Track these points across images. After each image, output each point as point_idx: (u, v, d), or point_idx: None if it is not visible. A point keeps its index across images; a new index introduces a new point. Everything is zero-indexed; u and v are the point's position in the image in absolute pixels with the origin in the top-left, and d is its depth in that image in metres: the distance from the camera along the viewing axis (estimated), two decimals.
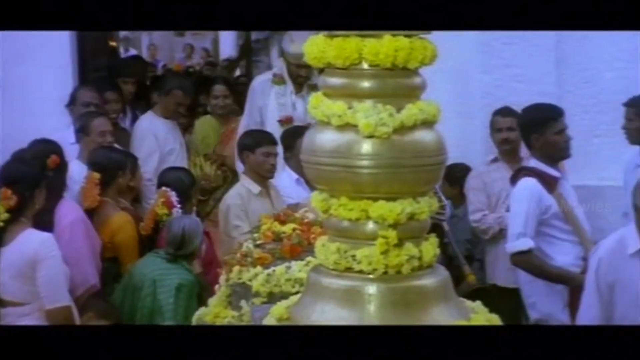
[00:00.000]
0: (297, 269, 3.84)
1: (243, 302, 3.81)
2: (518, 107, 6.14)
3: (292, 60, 6.49)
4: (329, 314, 2.93)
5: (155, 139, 6.45)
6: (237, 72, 12.43)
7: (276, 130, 6.30)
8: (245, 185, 5.80)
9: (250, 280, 3.85)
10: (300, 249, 4.04)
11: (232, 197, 5.75)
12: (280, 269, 3.86)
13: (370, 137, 2.92)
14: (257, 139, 5.88)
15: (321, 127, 3.04)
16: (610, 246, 4.09)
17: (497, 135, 6.11)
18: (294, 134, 5.92)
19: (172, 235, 5.01)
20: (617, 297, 4.00)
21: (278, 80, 6.65)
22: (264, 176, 5.84)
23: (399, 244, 2.94)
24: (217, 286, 4.12)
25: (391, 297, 2.92)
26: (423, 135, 2.98)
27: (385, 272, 2.93)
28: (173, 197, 5.31)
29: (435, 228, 5.14)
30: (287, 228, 4.21)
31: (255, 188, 5.77)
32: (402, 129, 2.94)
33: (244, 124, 6.66)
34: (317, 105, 3.05)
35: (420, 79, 3.04)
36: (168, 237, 5.03)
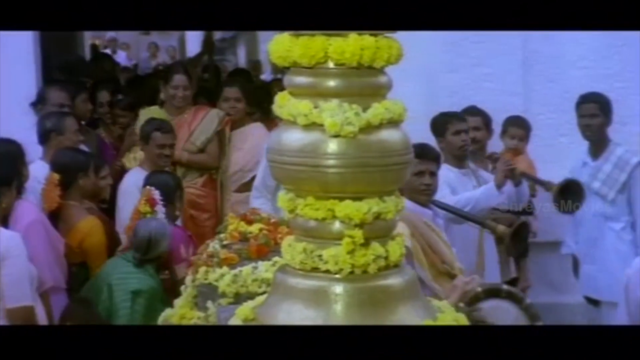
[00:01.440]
0: (264, 269, 3.82)
1: (209, 303, 3.79)
2: (485, 106, 6.18)
3: None
4: (295, 314, 2.92)
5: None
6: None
7: None
8: None
9: (216, 280, 3.83)
10: (267, 249, 4.02)
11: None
12: (246, 269, 3.84)
13: (336, 136, 2.91)
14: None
15: (287, 126, 3.02)
16: (638, 265, 4.05)
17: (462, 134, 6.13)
18: None
19: (138, 239, 4.96)
20: None
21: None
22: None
23: (366, 244, 2.93)
24: (182, 287, 4.09)
25: (358, 297, 2.91)
26: (389, 135, 2.98)
27: (352, 272, 2.92)
28: (156, 195, 5.24)
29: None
30: (254, 228, 4.18)
31: None
32: (368, 128, 2.93)
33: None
34: (283, 104, 3.03)
35: (386, 78, 3.03)
36: (135, 241, 4.98)
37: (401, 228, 4.49)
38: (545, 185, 5.69)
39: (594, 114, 5.94)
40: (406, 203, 4.70)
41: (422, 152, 4.90)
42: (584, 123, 5.93)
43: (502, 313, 4.19)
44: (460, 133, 5.70)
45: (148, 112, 6.62)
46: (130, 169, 6.21)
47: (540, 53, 6.51)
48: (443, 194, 5.32)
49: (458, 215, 5.37)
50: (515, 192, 5.63)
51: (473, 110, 6.14)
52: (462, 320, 3.00)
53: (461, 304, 4.33)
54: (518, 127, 6.34)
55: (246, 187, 6.31)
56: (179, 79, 6.65)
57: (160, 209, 5.22)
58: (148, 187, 5.33)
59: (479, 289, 4.26)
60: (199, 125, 6.55)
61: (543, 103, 6.63)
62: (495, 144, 6.36)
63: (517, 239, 5.07)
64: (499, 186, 5.55)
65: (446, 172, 5.52)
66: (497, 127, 6.34)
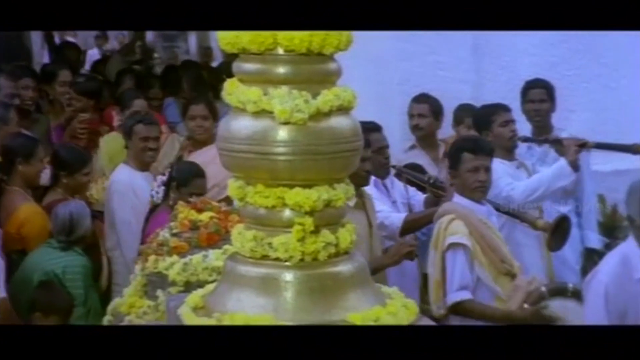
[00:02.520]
0: (215, 257, 3.80)
1: (159, 292, 3.76)
2: (436, 94, 6.19)
3: None
4: (245, 301, 2.91)
5: (135, 196, 5.43)
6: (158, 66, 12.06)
7: None
8: None
9: (166, 269, 3.80)
10: (218, 237, 4.00)
11: None
12: (197, 257, 3.82)
13: (286, 123, 2.90)
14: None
15: (236, 113, 3.01)
16: (614, 270, 3.77)
17: (410, 122, 6.15)
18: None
19: (59, 222, 4.88)
20: (630, 324, 3.68)
21: None
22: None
23: (316, 231, 2.93)
24: (132, 276, 4.06)
25: (308, 284, 2.91)
26: (339, 122, 2.98)
27: (302, 259, 2.92)
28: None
29: (565, 219, 4.96)
30: (204, 216, 4.16)
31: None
32: (318, 115, 2.93)
33: None
34: (232, 91, 3.01)
35: (335, 65, 3.03)
36: (55, 225, 4.91)
37: (460, 227, 4.45)
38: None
39: (543, 99, 5.99)
40: (461, 200, 4.63)
41: (476, 146, 4.71)
42: (533, 108, 5.98)
43: (568, 312, 4.17)
44: (509, 123, 5.48)
45: (109, 139, 6.38)
46: (96, 200, 5.87)
47: (491, 41, 6.53)
48: (510, 186, 5.19)
49: (495, 209, 5.18)
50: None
51: (421, 98, 6.15)
52: (412, 306, 3.01)
53: (526, 305, 4.28)
54: (470, 114, 6.34)
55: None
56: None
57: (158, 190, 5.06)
58: None
59: (543, 289, 4.21)
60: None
61: (494, 90, 6.65)
62: (445, 132, 6.37)
63: (558, 233, 4.87)
64: (573, 164, 5.34)
65: (499, 166, 5.19)
66: (448, 114, 6.35)
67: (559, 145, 5.60)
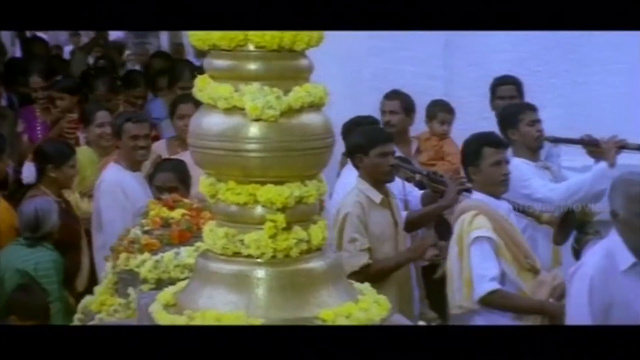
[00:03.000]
0: (186, 254, 3.79)
1: (130, 290, 3.75)
2: (407, 90, 6.21)
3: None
4: (217, 298, 2.90)
5: (124, 196, 5.27)
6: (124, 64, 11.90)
7: None
8: (365, 192, 4.85)
9: (137, 267, 3.79)
10: (190, 235, 3.99)
11: (352, 206, 4.78)
12: (168, 255, 3.80)
13: (257, 120, 2.90)
14: (371, 138, 4.93)
15: (207, 110, 3.00)
16: (599, 264, 3.80)
17: (382, 118, 6.16)
18: (358, 125, 5.32)
19: (25, 219, 4.86)
20: (615, 318, 3.73)
21: None
22: (382, 180, 4.92)
23: (288, 228, 2.93)
24: (102, 274, 4.04)
25: (280, 281, 2.91)
26: (310, 118, 2.98)
27: (274, 256, 2.92)
28: None
29: (570, 213, 4.80)
30: (176, 213, 4.14)
31: (377, 196, 4.85)
32: (289, 111, 2.93)
33: None
34: (203, 87, 3.00)
35: (307, 61, 3.03)
36: (21, 222, 4.88)
37: (484, 222, 4.42)
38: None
39: (513, 96, 6.03)
40: (482, 197, 4.60)
41: (497, 140, 4.72)
42: (504, 104, 6.00)
43: None
44: (535, 123, 5.36)
45: (79, 153, 6.01)
46: (75, 203, 5.70)
47: (461, 37, 6.55)
48: (546, 187, 5.14)
49: (414, 171, 5.29)
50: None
51: (392, 94, 6.15)
52: (383, 302, 3.01)
53: (551, 300, 4.28)
54: (447, 112, 6.38)
55: None
56: (102, 115, 6.15)
57: None
58: None
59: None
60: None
61: (464, 86, 6.68)
62: (417, 128, 6.39)
63: (563, 226, 4.77)
64: (612, 164, 5.19)
65: (525, 166, 5.21)
66: (419, 110, 6.37)
67: (593, 146, 5.44)
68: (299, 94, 2.94)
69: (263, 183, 2.93)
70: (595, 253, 3.90)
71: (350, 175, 5.14)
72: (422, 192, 5.39)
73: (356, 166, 4.95)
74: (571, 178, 5.39)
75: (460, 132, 6.43)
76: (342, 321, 2.84)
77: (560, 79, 6.64)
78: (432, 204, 5.24)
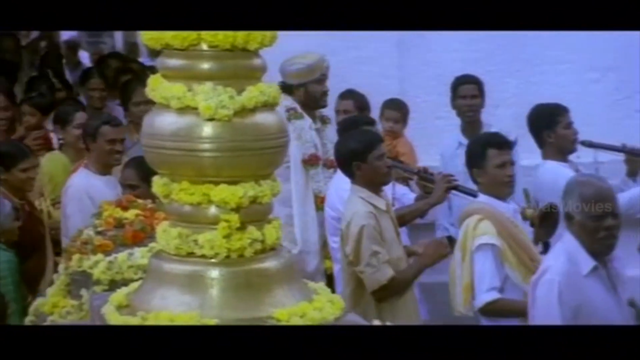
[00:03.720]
0: (140, 255, 3.77)
1: (83, 291, 3.71)
2: (362, 89, 6.22)
3: (310, 77, 5.47)
4: (170, 299, 2.89)
5: (91, 202, 5.12)
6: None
7: (300, 174, 5.45)
8: (369, 200, 4.62)
9: (90, 268, 3.75)
10: (143, 235, 3.96)
11: (365, 217, 4.53)
12: (122, 255, 3.77)
13: (210, 119, 2.89)
14: (366, 142, 4.69)
15: (160, 109, 2.98)
16: (563, 268, 3.77)
17: (336, 118, 6.17)
18: (354, 124, 5.22)
19: None
20: (582, 323, 3.70)
21: (295, 114, 5.50)
22: (381, 183, 4.75)
23: (242, 228, 2.92)
24: (55, 275, 3.99)
25: (234, 281, 2.90)
26: (264, 118, 2.97)
27: (228, 256, 2.91)
28: None
29: (553, 208, 4.64)
30: (130, 214, 4.12)
31: (381, 203, 4.66)
32: (243, 111, 2.92)
33: None
34: (156, 87, 2.98)
35: (260, 61, 3.02)
36: None
37: (489, 227, 4.36)
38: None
39: (475, 95, 6.06)
40: (487, 200, 4.53)
41: (501, 141, 4.64)
42: (466, 104, 6.03)
43: None
44: (571, 126, 5.27)
45: (51, 157, 6.03)
46: (46, 211, 5.62)
47: (413, 36, 6.58)
48: None
49: (404, 170, 5.23)
50: None
51: (345, 94, 6.16)
52: (337, 301, 3.02)
53: None
54: (394, 109, 6.38)
55: None
56: (81, 116, 5.99)
57: None
58: None
59: None
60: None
61: (418, 86, 6.71)
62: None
63: (545, 223, 4.65)
64: None
65: (560, 169, 5.13)
66: (374, 110, 6.39)
67: (632, 154, 5.36)
68: (252, 93, 2.94)
69: (217, 183, 2.92)
70: (557, 257, 3.85)
71: (344, 177, 4.95)
72: (415, 195, 5.37)
73: (352, 174, 4.71)
74: (634, 188, 5.28)
75: (414, 131, 6.47)
76: (296, 321, 2.84)
77: (513, 79, 6.70)
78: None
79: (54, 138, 6.39)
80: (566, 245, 3.84)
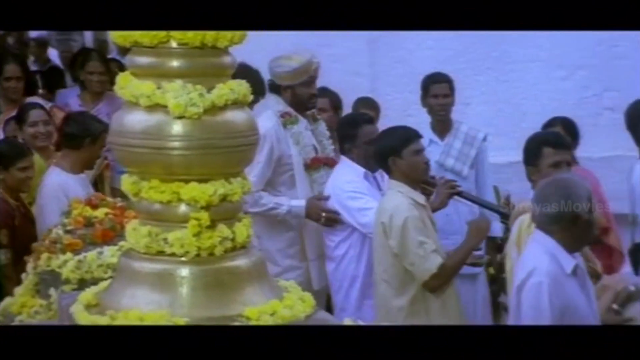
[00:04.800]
0: (110, 254, 3.74)
1: (52, 290, 3.68)
2: (333, 87, 6.22)
3: (296, 80, 5.36)
4: (140, 298, 2.87)
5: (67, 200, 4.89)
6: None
7: (304, 180, 5.36)
8: (408, 194, 4.66)
9: (59, 267, 3.72)
10: (113, 234, 3.94)
11: (407, 209, 4.57)
12: (91, 254, 3.75)
13: (180, 117, 2.87)
14: (402, 138, 4.73)
15: (130, 107, 2.96)
16: (548, 269, 3.74)
17: None
18: (353, 121, 5.26)
19: None
20: (567, 323, 3.68)
21: (290, 119, 5.39)
22: (419, 179, 4.78)
23: (212, 226, 2.91)
24: (23, 274, 3.96)
25: (204, 279, 2.89)
26: (234, 116, 2.96)
27: (198, 255, 2.90)
28: None
29: None
30: (99, 212, 4.09)
31: (420, 197, 4.71)
32: (213, 109, 2.91)
33: (258, 179, 5.17)
34: (125, 85, 2.97)
35: (230, 59, 3.01)
36: None
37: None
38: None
39: (447, 94, 6.06)
40: None
41: (558, 141, 4.56)
42: (438, 103, 6.03)
43: None
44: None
45: None
46: None
47: (385, 34, 6.60)
48: None
49: (483, 206, 5.16)
50: None
51: (320, 92, 6.14)
52: (308, 299, 3.02)
53: (615, 306, 4.11)
54: (368, 107, 6.40)
55: None
56: (36, 114, 5.80)
57: None
58: None
59: (632, 288, 4.05)
60: None
61: (390, 83, 6.73)
62: None
63: None
64: None
65: None
66: (346, 108, 6.40)
67: None
68: (222, 91, 2.93)
69: (187, 181, 2.91)
70: (541, 259, 3.80)
71: (345, 172, 5.05)
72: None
73: (389, 169, 4.75)
74: None
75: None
76: (266, 319, 2.83)
77: (484, 76, 6.74)
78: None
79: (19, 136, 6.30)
80: (546, 247, 3.80)
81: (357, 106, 6.39)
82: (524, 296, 3.77)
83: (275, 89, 5.43)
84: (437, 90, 6.01)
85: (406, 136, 4.75)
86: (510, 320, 3.92)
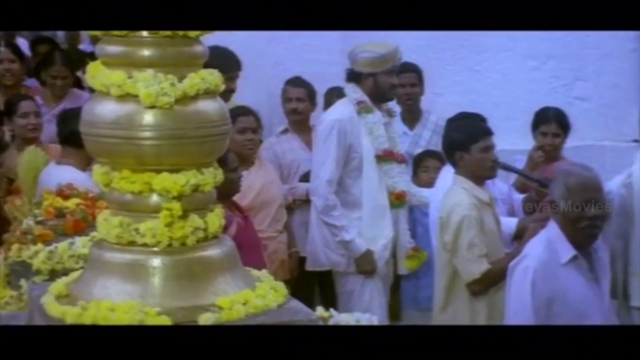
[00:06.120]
0: (81, 244, 3.73)
1: (23, 281, 3.67)
2: (306, 77, 6.22)
3: (381, 67, 5.30)
4: (111, 288, 2.86)
5: None
6: None
7: (374, 170, 5.32)
8: (471, 191, 4.61)
9: (30, 258, 3.71)
10: (85, 225, 3.93)
11: (468, 208, 4.52)
12: (62, 245, 3.74)
13: (151, 107, 2.86)
14: (470, 133, 4.69)
15: (100, 97, 2.95)
16: (540, 256, 3.76)
17: (286, 106, 6.15)
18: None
19: None
20: (556, 312, 3.71)
21: (365, 107, 5.35)
22: (485, 177, 4.70)
23: (184, 216, 2.90)
24: None
25: (176, 269, 2.88)
26: (206, 105, 2.95)
27: (170, 245, 2.89)
28: None
29: None
30: (71, 203, 4.08)
31: (484, 195, 4.64)
32: (184, 99, 2.90)
33: (330, 167, 5.24)
34: (95, 74, 2.95)
35: (202, 48, 3.00)
36: None
37: None
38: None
39: (414, 83, 6.10)
40: None
41: (487, 128, 4.68)
42: (406, 92, 6.07)
43: None
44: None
45: (34, 152, 5.42)
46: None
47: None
48: None
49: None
50: None
51: (296, 82, 6.16)
52: (280, 288, 3.02)
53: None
54: (340, 98, 6.39)
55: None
56: (26, 105, 5.77)
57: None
58: None
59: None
60: None
61: None
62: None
63: None
64: None
65: None
66: (319, 98, 6.39)
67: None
68: (194, 80, 2.92)
69: (158, 171, 2.90)
70: (536, 245, 3.84)
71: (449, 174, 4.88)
72: (523, 196, 5.26)
73: (455, 164, 4.71)
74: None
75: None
76: (239, 308, 2.84)
77: (455, 66, 6.75)
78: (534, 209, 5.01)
79: (5, 130, 6.13)
80: (548, 234, 3.83)
81: (330, 96, 6.39)
82: (512, 280, 3.82)
83: (354, 77, 5.36)
84: (403, 80, 6.04)
85: (476, 132, 4.69)
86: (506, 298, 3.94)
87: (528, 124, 5.62)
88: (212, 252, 2.95)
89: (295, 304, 3.02)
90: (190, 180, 2.91)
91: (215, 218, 2.99)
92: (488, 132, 4.75)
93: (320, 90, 6.30)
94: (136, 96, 2.86)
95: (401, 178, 5.38)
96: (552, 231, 3.82)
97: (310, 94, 6.19)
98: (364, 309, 4.47)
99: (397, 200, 5.35)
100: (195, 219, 2.92)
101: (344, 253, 5.32)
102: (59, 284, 3.00)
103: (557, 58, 6.78)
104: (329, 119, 5.41)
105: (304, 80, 6.17)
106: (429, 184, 5.50)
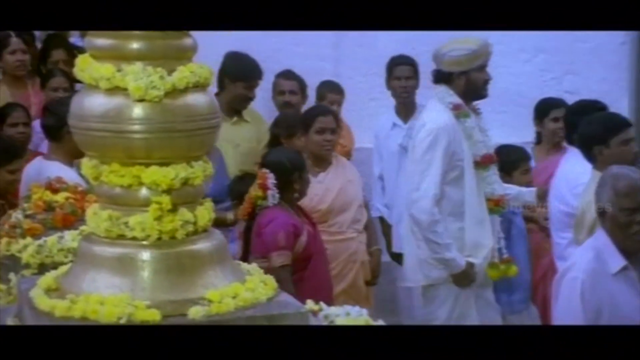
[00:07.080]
0: (71, 238, 3.72)
1: (12, 275, 3.66)
2: (297, 70, 6.21)
3: (472, 64, 5.04)
4: (100, 282, 2.86)
5: None
6: None
7: (473, 178, 5.05)
8: None
9: (19, 252, 3.70)
10: (74, 218, 3.92)
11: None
12: (52, 239, 3.73)
13: (141, 100, 2.85)
14: (610, 126, 4.49)
15: (89, 90, 2.94)
16: (588, 266, 3.63)
17: (279, 98, 6.14)
18: (583, 110, 4.96)
19: None
20: (604, 323, 3.59)
21: (463, 112, 5.05)
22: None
23: (173, 210, 2.90)
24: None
25: (165, 263, 2.88)
26: (195, 99, 2.94)
27: (159, 238, 2.89)
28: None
29: None
30: (60, 197, 4.07)
31: None
32: (173, 92, 2.89)
33: (435, 180, 4.97)
34: (84, 67, 2.94)
35: (191, 41, 2.99)
36: None
37: None
38: None
39: (409, 76, 6.09)
40: None
41: (626, 119, 4.48)
42: (401, 85, 6.07)
43: None
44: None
45: None
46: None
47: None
48: None
49: None
50: None
51: (289, 74, 6.16)
52: (270, 282, 3.02)
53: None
54: (336, 92, 6.40)
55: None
56: (17, 115, 5.63)
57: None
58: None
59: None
60: None
61: (353, 67, 6.73)
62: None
63: None
64: None
65: None
66: (310, 92, 6.39)
67: None
68: (183, 74, 2.91)
69: (148, 165, 2.89)
70: (584, 255, 3.71)
71: (576, 165, 4.69)
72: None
73: (593, 159, 4.49)
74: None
75: (348, 113, 6.49)
76: (228, 302, 2.83)
77: None
78: None
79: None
80: (596, 242, 3.70)
81: (325, 91, 6.39)
82: (560, 290, 3.71)
83: (444, 78, 5.06)
84: (399, 73, 6.04)
85: (615, 124, 4.49)
86: (553, 308, 3.83)
87: (518, 117, 5.63)
88: (202, 245, 2.95)
89: (285, 297, 3.02)
90: (179, 173, 2.90)
91: (205, 211, 2.99)
92: (627, 124, 4.53)
93: (311, 84, 6.30)
94: (125, 89, 2.85)
95: (498, 183, 5.16)
96: (600, 239, 3.69)
97: (302, 86, 6.19)
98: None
99: (496, 206, 5.12)
100: (184, 213, 2.92)
101: (444, 267, 5.06)
102: (48, 278, 3.00)
103: (547, 51, 6.79)
104: (429, 127, 5.02)
105: (295, 73, 6.17)
106: None
